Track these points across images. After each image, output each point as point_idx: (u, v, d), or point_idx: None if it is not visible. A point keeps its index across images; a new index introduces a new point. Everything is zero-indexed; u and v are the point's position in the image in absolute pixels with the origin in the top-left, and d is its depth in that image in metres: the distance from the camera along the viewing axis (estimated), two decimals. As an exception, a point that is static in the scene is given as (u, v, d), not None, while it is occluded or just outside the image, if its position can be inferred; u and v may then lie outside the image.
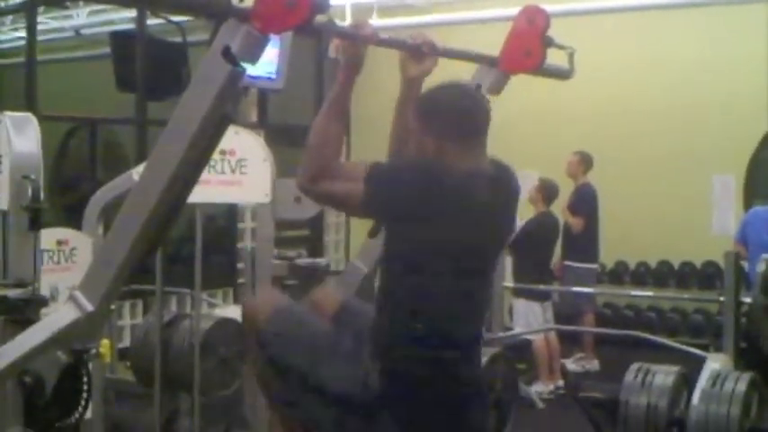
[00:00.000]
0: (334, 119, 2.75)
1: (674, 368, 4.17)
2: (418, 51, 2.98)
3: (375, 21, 9.09)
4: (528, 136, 9.74)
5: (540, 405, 7.24)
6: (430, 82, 3.02)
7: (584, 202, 8.30)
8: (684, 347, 5.44)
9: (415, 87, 2.99)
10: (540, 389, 7.47)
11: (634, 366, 4.22)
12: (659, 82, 9.46)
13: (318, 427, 2.87)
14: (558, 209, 8.04)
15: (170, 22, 8.30)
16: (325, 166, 2.70)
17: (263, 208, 4.32)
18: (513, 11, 3.57)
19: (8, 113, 3.45)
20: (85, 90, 10.15)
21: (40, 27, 8.71)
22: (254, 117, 9.59)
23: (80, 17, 10.49)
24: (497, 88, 3.64)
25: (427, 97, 2.83)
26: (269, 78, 5.10)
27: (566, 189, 8.23)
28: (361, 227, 3.19)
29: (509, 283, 7.02)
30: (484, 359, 3.85)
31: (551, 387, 7.58)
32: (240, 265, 8.54)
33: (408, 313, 2.70)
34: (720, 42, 9.20)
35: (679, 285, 9.62)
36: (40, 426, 3.01)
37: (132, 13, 9.09)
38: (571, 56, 3.73)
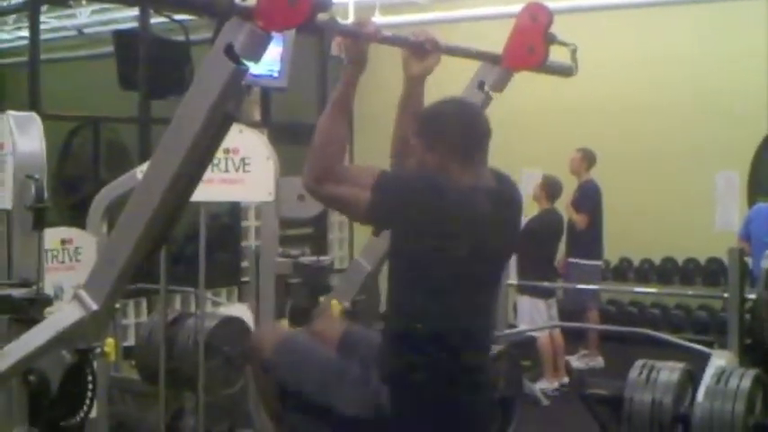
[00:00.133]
0: (339, 117, 2.75)
1: (679, 365, 4.17)
2: (421, 49, 2.98)
3: (378, 18, 9.09)
4: (531, 133, 9.75)
5: (545, 402, 7.23)
6: (432, 79, 3.02)
7: (588, 199, 8.30)
8: (689, 344, 5.44)
9: (418, 85, 3.00)
10: (544, 386, 7.46)
11: (638, 363, 4.21)
12: (662, 78, 9.45)
13: None
14: (562, 206, 8.04)
15: (173, 20, 8.33)
16: (330, 167, 2.70)
17: (266, 206, 4.32)
18: (516, 8, 3.57)
19: (11, 112, 3.46)
20: (89, 89, 10.16)
21: (42, 26, 8.71)
22: (257, 115, 9.59)
23: (83, 16, 10.50)
24: (500, 85, 3.63)
25: (427, 114, 2.84)
26: (272, 77, 5.09)
27: (570, 186, 8.23)
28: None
29: (513, 280, 7.01)
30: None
31: (556, 384, 7.58)
32: (244, 264, 8.55)
33: (416, 330, 2.71)
34: (725, 38, 9.19)
35: (683, 282, 9.61)
36: (45, 425, 3.01)
37: (135, 11, 9.10)
38: (574, 53, 3.72)
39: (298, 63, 5.01)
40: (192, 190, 2.56)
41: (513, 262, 7.16)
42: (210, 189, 3.98)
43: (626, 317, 9.47)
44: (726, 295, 4.70)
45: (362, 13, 8.94)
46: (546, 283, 7.58)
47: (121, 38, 8.73)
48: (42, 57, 8.16)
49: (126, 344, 6.19)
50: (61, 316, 2.67)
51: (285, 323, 4.36)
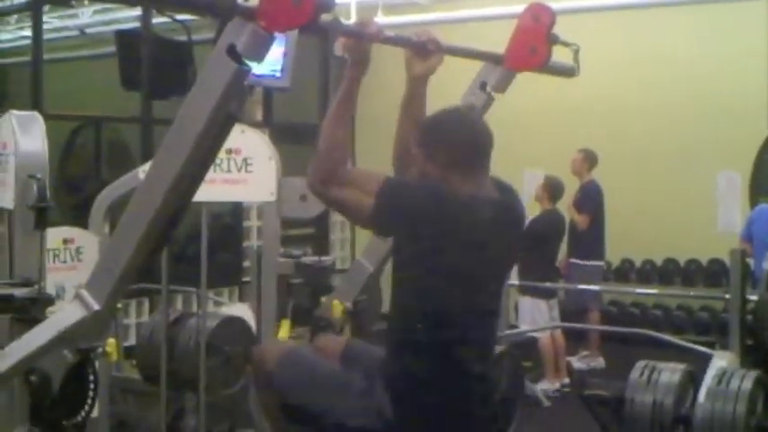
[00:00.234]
0: (343, 118, 2.75)
1: (680, 366, 4.17)
2: (423, 49, 2.98)
3: (380, 19, 9.09)
4: (533, 134, 9.75)
5: (546, 403, 7.23)
6: (435, 80, 3.02)
7: (590, 200, 8.30)
8: (690, 345, 5.44)
9: (421, 85, 3.00)
10: (545, 387, 7.46)
11: (640, 364, 4.21)
12: (665, 79, 9.45)
13: None
14: (564, 206, 8.04)
15: (175, 20, 8.32)
16: (335, 168, 2.70)
17: (268, 206, 4.32)
18: (519, 8, 3.56)
19: (14, 112, 3.46)
20: (91, 89, 10.16)
21: (45, 26, 8.72)
22: (259, 116, 9.60)
23: (85, 16, 10.50)
24: (502, 86, 3.63)
25: (429, 124, 2.84)
26: (274, 77, 5.09)
27: (571, 187, 8.23)
28: (366, 225, 3.19)
29: (515, 280, 7.01)
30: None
31: (557, 385, 7.58)
32: (246, 264, 8.55)
33: (419, 339, 2.71)
34: (727, 39, 9.19)
35: (685, 283, 9.60)
36: (46, 424, 3.01)
37: (137, 11, 9.10)
38: (576, 53, 3.72)
39: (300, 63, 5.01)
40: (194, 190, 2.56)
41: (514, 262, 7.16)
42: (213, 189, 3.98)
43: (627, 318, 9.46)
44: (727, 296, 4.70)
45: (365, 13, 8.94)
46: (548, 284, 7.58)
47: (124, 38, 8.72)
48: (45, 56, 8.18)
49: (127, 344, 6.20)
50: (63, 316, 2.67)
51: (287, 323, 4.36)
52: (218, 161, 4.06)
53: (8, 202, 3.35)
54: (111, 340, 3.70)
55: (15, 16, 10.33)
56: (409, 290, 2.75)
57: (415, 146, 2.81)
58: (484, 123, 2.87)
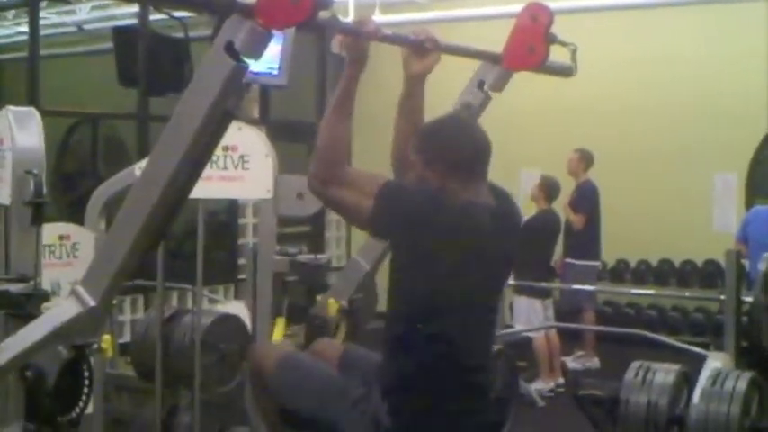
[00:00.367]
0: (342, 117, 2.75)
1: (675, 366, 4.17)
2: (421, 47, 2.97)
3: (378, 17, 9.09)
4: (530, 134, 9.76)
5: (541, 403, 7.24)
6: (432, 79, 3.02)
7: (586, 199, 8.31)
8: (685, 346, 5.45)
9: (419, 84, 2.99)
10: (540, 387, 7.47)
11: (634, 364, 4.21)
12: (661, 79, 9.46)
13: None
14: (560, 206, 8.04)
15: (172, 17, 8.33)
16: (335, 168, 2.70)
17: (265, 204, 4.32)
18: (517, 8, 3.57)
19: (11, 108, 3.45)
20: (87, 85, 10.16)
21: (42, 22, 8.70)
22: (256, 113, 9.60)
23: (82, 12, 10.50)
24: (500, 85, 3.64)
25: (427, 132, 2.84)
26: (271, 74, 5.10)
27: (568, 187, 8.23)
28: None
29: (510, 280, 7.01)
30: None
31: (552, 385, 7.58)
32: (241, 261, 8.55)
33: (416, 346, 2.71)
34: (724, 40, 9.20)
35: (680, 284, 9.62)
36: (41, 420, 3.00)
37: (135, 8, 9.09)
38: (574, 53, 3.72)
39: (297, 61, 5.02)
40: (190, 187, 2.56)
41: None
42: (209, 186, 3.98)
43: (622, 318, 9.47)
44: (722, 297, 4.71)
45: (362, 11, 8.94)
46: (543, 284, 7.59)
47: (121, 34, 8.72)
48: (42, 53, 8.16)
49: (122, 340, 6.19)
50: (58, 312, 2.67)
51: (282, 321, 4.37)
52: (214, 158, 4.05)
53: (4, 197, 3.34)
54: (107, 337, 3.69)
55: (13, 12, 10.33)
56: (406, 295, 2.74)
57: (414, 152, 2.80)
58: (482, 131, 2.86)
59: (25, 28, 8.73)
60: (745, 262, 5.23)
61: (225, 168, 4.26)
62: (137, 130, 8.62)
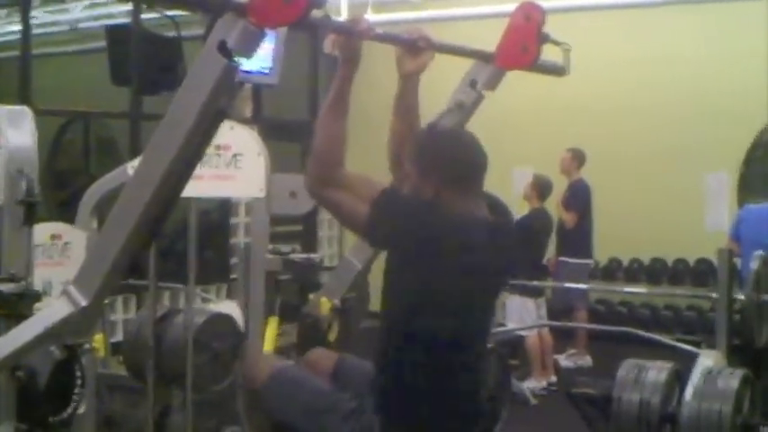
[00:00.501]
0: (337, 116, 2.74)
1: (667, 364, 4.17)
2: (414, 46, 2.97)
3: (370, 16, 9.09)
4: (522, 133, 9.76)
5: (533, 401, 7.25)
6: (425, 78, 3.02)
7: (578, 198, 8.33)
8: (677, 344, 5.44)
9: (412, 83, 2.99)
10: (532, 385, 7.48)
11: (627, 362, 4.22)
12: (653, 79, 9.47)
13: None
14: (552, 205, 8.05)
15: (165, 16, 8.32)
16: (331, 168, 2.69)
17: (257, 203, 4.31)
18: (510, 7, 3.56)
19: (3, 107, 3.44)
20: (80, 84, 10.14)
21: (34, 21, 8.69)
22: (248, 112, 9.59)
23: (75, 11, 10.48)
24: (492, 84, 3.63)
25: (423, 143, 2.83)
26: (263, 73, 5.07)
27: (560, 186, 8.25)
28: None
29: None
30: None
31: (544, 383, 7.60)
32: (234, 261, 8.54)
33: (409, 358, 2.71)
34: (716, 39, 9.22)
35: (672, 282, 9.64)
36: (32, 420, 3.00)
37: (128, 7, 9.08)
38: (567, 52, 3.72)
39: (289, 60, 5.01)
40: (182, 186, 2.55)
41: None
42: (201, 185, 3.97)
43: (615, 316, 9.49)
44: (714, 296, 4.71)
45: (355, 10, 8.94)
46: (535, 282, 7.59)
47: (114, 33, 8.71)
48: (34, 51, 8.15)
49: (114, 340, 6.18)
50: (50, 312, 2.66)
51: (275, 320, 4.36)
52: (207, 157, 4.04)
53: (-4, 197, 3.33)
54: (99, 336, 3.69)
55: (5, 10, 10.31)
56: (397, 306, 2.74)
57: (409, 162, 2.79)
58: (478, 144, 2.84)
59: (18, 27, 8.71)
60: (738, 260, 5.23)
61: (217, 167, 4.25)
62: (129, 129, 8.61)
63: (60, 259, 4.42)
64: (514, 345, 7.32)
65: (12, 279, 3.13)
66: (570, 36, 3.62)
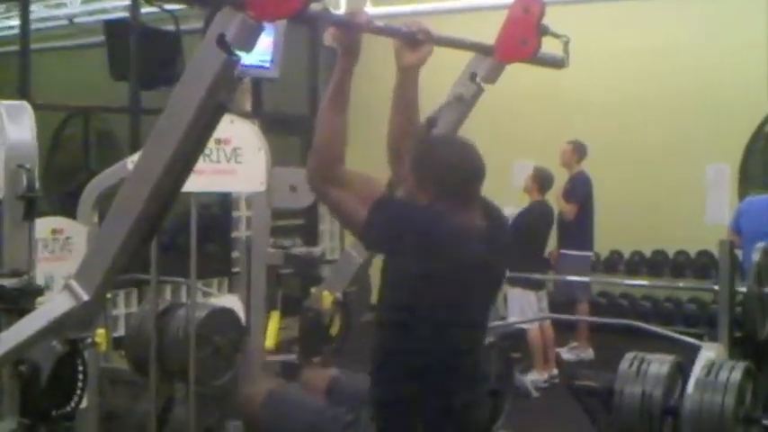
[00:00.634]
0: (337, 110, 2.74)
1: (669, 357, 4.17)
2: (413, 39, 2.96)
3: (369, 9, 9.08)
4: (523, 125, 9.76)
5: (535, 394, 7.25)
6: (424, 71, 3.01)
7: (578, 190, 8.33)
8: (679, 336, 5.44)
9: (412, 76, 2.98)
10: (534, 378, 7.48)
11: (629, 355, 4.21)
12: (654, 70, 9.46)
13: None
14: (553, 197, 8.05)
15: (164, 10, 8.31)
16: (332, 162, 2.70)
17: (258, 197, 4.31)
18: (509, -1, 3.56)
19: (2, 102, 3.44)
20: (79, 79, 10.12)
21: (33, 15, 8.68)
22: (248, 106, 9.58)
23: (74, 6, 10.45)
24: (492, 77, 3.62)
25: (421, 152, 2.83)
26: (263, 67, 5.08)
27: (561, 178, 8.24)
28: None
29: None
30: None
31: (546, 376, 7.60)
32: (235, 255, 8.54)
33: (405, 367, 2.73)
34: (716, 31, 9.20)
35: (674, 274, 9.63)
36: (35, 415, 3.00)
37: (126, 1, 9.07)
38: (566, 44, 3.71)
39: (289, 53, 5.01)
40: (183, 180, 2.56)
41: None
42: (202, 179, 3.97)
43: (616, 309, 9.49)
44: (716, 288, 4.70)
45: (354, 3, 8.92)
46: (536, 275, 7.59)
47: (112, 28, 8.70)
48: (33, 46, 8.13)
49: (116, 334, 6.18)
50: (52, 306, 2.66)
51: (276, 314, 4.36)
52: (207, 151, 4.05)
53: (-3, 192, 3.33)
54: (101, 331, 3.69)
55: (3, 5, 10.29)
56: (392, 313, 2.76)
57: (408, 171, 2.80)
58: (476, 153, 2.84)
59: (16, 21, 8.70)
60: (739, 252, 5.22)
61: (218, 161, 4.25)
62: (129, 124, 8.60)
63: (62, 254, 4.43)
64: (516, 338, 7.31)
65: (14, 274, 3.14)
66: (569, 28, 3.61)
